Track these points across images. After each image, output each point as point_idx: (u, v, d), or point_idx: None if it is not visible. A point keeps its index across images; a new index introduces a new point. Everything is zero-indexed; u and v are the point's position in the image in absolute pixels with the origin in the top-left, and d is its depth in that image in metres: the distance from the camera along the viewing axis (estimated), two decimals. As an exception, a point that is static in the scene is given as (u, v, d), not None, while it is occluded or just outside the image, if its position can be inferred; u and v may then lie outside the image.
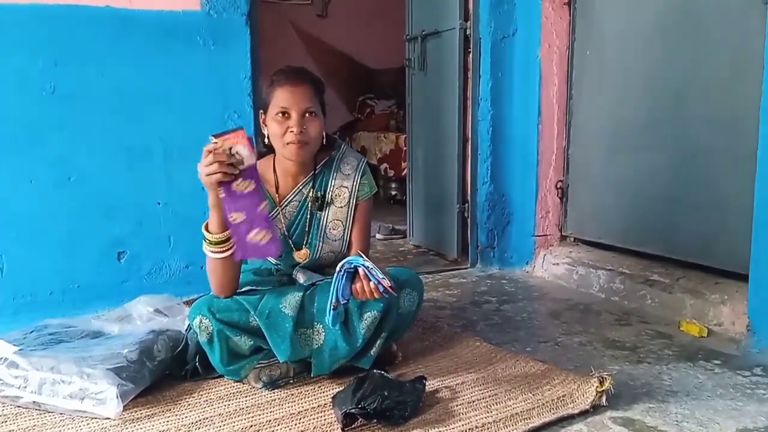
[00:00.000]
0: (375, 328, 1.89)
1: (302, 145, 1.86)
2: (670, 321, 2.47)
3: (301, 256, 2.00)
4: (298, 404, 1.77)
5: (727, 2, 2.46)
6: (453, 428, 1.62)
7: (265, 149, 1.98)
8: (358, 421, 1.62)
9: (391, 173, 5.31)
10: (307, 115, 1.85)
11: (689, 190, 2.65)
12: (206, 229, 1.78)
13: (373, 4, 6.19)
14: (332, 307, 1.77)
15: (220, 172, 1.62)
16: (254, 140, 1.65)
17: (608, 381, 1.76)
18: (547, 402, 1.75)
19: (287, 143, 1.86)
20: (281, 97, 1.85)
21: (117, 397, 1.68)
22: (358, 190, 2.01)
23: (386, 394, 1.64)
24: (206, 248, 1.79)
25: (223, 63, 2.72)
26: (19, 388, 1.75)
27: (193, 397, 1.82)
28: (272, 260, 2.05)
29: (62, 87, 2.53)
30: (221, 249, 1.77)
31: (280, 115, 1.85)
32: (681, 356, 2.14)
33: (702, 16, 2.56)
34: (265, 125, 1.91)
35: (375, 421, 1.62)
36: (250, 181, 1.65)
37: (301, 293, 1.90)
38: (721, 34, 2.49)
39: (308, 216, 1.99)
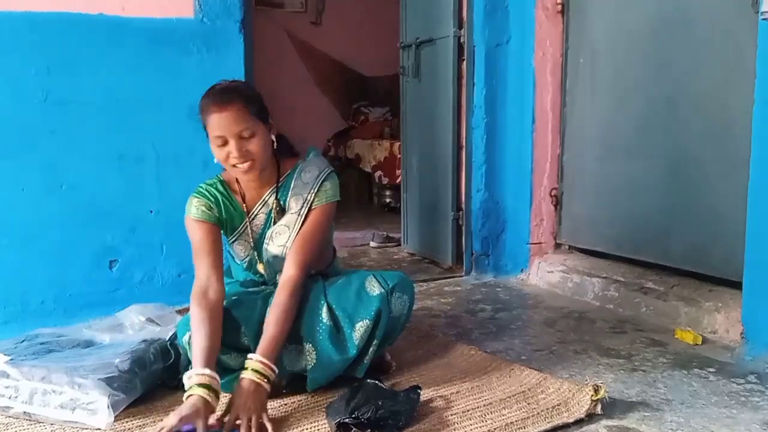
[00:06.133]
0: (368, 336, 1.87)
1: (248, 166, 1.81)
2: (665, 329, 2.47)
3: (262, 268, 1.99)
4: (291, 414, 1.76)
5: (719, 11, 2.47)
6: (448, 438, 1.62)
7: None
8: (352, 431, 1.61)
9: (385, 181, 5.31)
10: (244, 135, 1.79)
11: (683, 198, 2.65)
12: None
13: (367, 11, 6.20)
14: None
15: None
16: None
17: (603, 389, 1.75)
18: (542, 411, 1.74)
19: (232, 167, 1.82)
20: (213, 125, 1.77)
21: (108, 407, 1.67)
22: (314, 198, 1.93)
23: (380, 403, 1.63)
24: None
25: (216, 70, 2.70)
26: (9, 398, 1.73)
27: (186, 406, 1.81)
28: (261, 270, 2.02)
29: (55, 94, 2.52)
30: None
31: (218, 142, 1.79)
32: (676, 364, 2.14)
33: (694, 24, 2.57)
34: None
35: (369, 431, 1.61)
36: None
37: None
38: (713, 43, 2.50)
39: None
